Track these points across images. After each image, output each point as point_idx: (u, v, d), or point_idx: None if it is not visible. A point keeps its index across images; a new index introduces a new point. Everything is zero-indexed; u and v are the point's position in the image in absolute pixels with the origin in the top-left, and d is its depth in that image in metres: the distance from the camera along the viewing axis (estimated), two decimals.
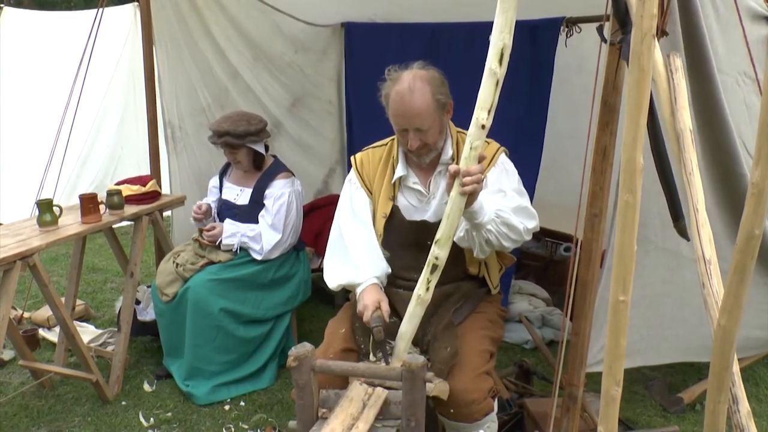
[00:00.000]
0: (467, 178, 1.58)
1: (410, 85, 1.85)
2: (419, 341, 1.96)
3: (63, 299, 2.77)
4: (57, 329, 3.13)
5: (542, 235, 3.93)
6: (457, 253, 2.01)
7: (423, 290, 1.69)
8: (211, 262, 2.86)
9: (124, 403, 2.76)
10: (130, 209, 2.89)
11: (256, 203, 2.90)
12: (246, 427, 2.60)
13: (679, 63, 1.55)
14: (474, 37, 3.17)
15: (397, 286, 2.09)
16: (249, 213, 2.91)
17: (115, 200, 2.82)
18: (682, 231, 1.59)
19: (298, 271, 3.07)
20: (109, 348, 3.10)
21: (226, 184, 3.03)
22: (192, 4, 3.24)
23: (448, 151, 2.02)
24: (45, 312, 3.42)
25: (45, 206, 2.57)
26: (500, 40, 1.46)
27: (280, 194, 2.87)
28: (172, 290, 2.79)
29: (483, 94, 1.51)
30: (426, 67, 1.93)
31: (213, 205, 3.05)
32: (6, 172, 5.37)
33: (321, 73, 4.06)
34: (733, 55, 2.06)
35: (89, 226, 2.65)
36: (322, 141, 4.29)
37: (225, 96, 3.58)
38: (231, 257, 2.87)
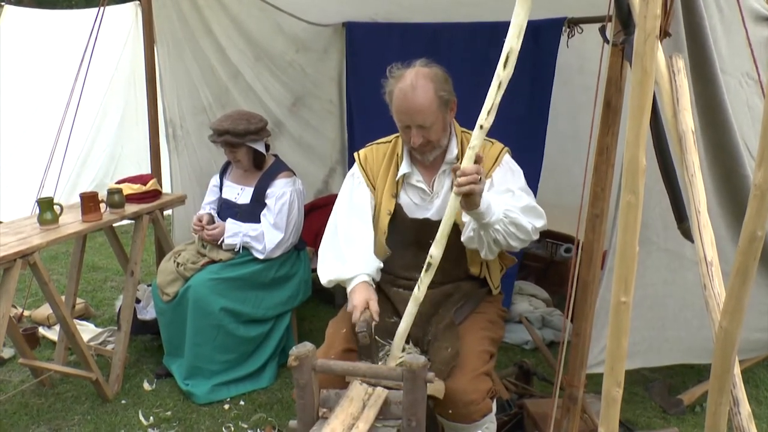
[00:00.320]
0: (461, 178, 1.58)
1: (413, 82, 1.85)
2: (420, 341, 1.95)
3: (63, 297, 2.77)
4: (57, 327, 3.13)
5: (543, 235, 3.92)
6: (458, 253, 2.00)
7: (416, 288, 1.72)
8: (212, 261, 2.86)
9: (123, 401, 2.76)
10: (131, 208, 2.89)
11: (258, 202, 2.90)
12: (245, 426, 2.60)
13: (681, 64, 1.55)
14: (475, 37, 3.16)
15: (398, 285, 2.08)
16: (250, 212, 2.90)
17: (116, 199, 2.82)
18: (687, 233, 1.56)
19: (298, 270, 3.07)
20: (109, 347, 3.10)
21: (227, 182, 3.03)
22: (193, 4, 3.24)
23: (453, 151, 2.02)
24: (45, 310, 3.42)
25: (45, 204, 2.57)
26: (508, 44, 1.47)
27: (282, 193, 2.87)
28: (172, 289, 2.79)
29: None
30: (429, 64, 1.93)
31: (213, 207, 3.06)
32: (7, 170, 5.36)
33: (322, 73, 4.05)
34: (736, 57, 2.05)
35: (90, 225, 2.65)
36: (323, 141, 4.29)
37: (226, 95, 3.58)
38: (232, 256, 2.87)
